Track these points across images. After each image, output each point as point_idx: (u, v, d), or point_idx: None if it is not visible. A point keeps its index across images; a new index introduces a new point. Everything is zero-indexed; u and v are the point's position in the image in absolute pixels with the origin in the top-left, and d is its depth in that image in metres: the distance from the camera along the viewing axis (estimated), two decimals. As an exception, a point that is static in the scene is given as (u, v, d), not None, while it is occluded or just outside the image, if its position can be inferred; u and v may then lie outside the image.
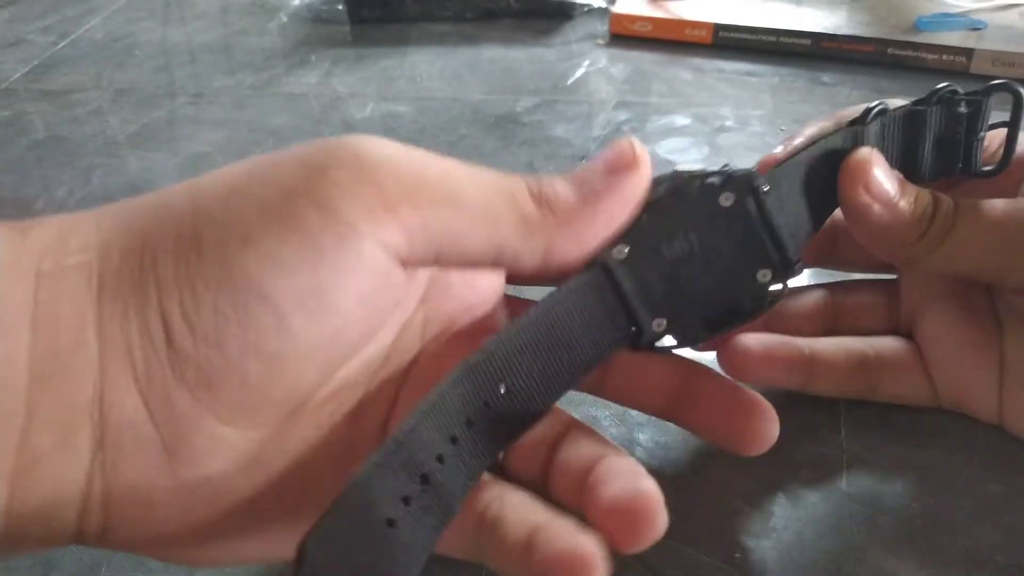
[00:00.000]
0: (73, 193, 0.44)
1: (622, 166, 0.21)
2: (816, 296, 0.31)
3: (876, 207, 0.25)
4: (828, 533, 0.26)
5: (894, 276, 0.31)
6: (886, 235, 0.26)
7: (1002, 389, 0.28)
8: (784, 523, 0.26)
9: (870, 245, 0.27)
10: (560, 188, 0.21)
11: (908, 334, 0.30)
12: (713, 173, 0.23)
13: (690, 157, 0.46)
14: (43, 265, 0.18)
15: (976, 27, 0.55)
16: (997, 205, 0.25)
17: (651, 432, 0.29)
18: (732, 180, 0.23)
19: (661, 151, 0.47)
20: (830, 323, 0.30)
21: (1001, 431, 0.28)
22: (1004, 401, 0.28)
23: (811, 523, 0.26)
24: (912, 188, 0.26)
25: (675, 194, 0.23)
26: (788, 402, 0.30)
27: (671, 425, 0.29)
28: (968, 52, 0.52)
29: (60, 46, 0.62)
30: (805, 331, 0.30)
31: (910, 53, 0.54)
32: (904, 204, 0.25)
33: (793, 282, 0.26)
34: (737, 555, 0.25)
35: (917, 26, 0.55)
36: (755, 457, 0.28)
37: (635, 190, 0.21)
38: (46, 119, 0.52)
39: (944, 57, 0.53)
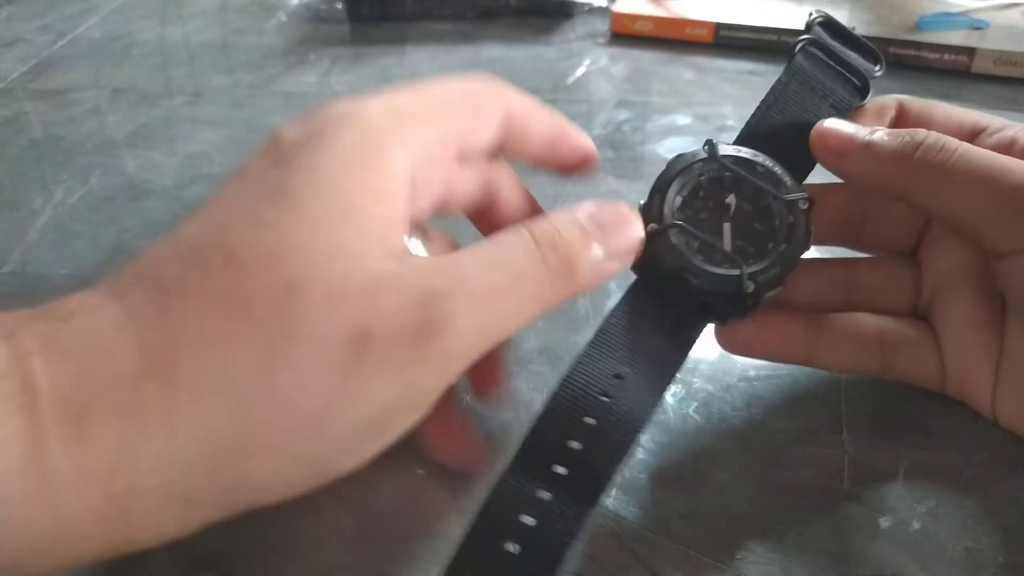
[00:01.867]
0: (71, 193, 0.44)
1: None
2: (836, 268, 0.31)
3: (851, 158, 0.27)
4: (829, 534, 0.25)
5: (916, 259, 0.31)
6: (876, 172, 0.27)
7: (998, 375, 0.28)
8: (785, 523, 0.26)
9: (876, 185, 0.28)
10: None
11: (927, 317, 0.30)
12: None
13: (690, 156, 0.46)
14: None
15: (978, 26, 0.55)
16: (1001, 157, 0.26)
17: (652, 433, 0.29)
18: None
19: (662, 150, 0.47)
20: (850, 299, 0.30)
21: (1002, 431, 0.28)
22: (997, 388, 0.28)
23: (812, 523, 0.26)
24: (884, 128, 0.27)
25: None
26: (789, 402, 0.30)
27: (672, 426, 0.29)
28: (970, 51, 0.52)
29: (58, 45, 0.62)
30: (821, 304, 0.30)
31: (912, 52, 0.54)
32: (874, 138, 0.27)
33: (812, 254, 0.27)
34: (738, 556, 0.25)
35: (919, 25, 0.55)
36: (756, 457, 0.28)
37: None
38: (44, 118, 0.52)
39: (946, 56, 0.53)
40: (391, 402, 0.20)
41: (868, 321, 0.29)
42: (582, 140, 0.28)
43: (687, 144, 0.47)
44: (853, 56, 0.30)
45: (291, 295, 0.19)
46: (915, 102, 0.30)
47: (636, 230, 0.25)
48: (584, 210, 0.24)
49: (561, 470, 0.23)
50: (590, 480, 0.23)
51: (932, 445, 0.28)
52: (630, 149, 0.47)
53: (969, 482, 0.27)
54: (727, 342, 0.29)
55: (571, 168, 0.29)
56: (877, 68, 0.30)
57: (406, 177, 0.22)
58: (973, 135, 0.29)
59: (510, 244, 0.23)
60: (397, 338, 0.20)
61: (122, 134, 0.50)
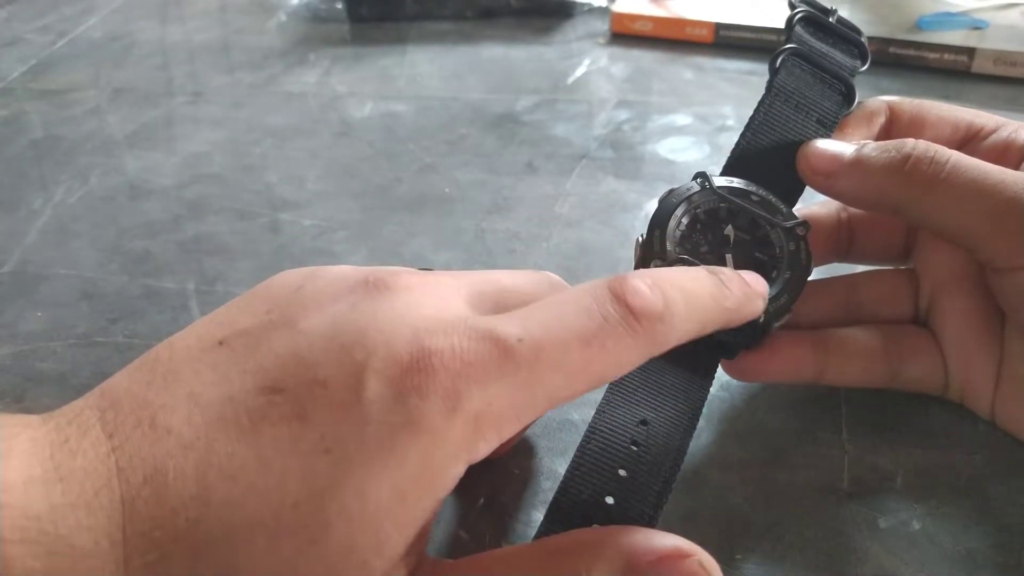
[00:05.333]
0: (71, 193, 0.44)
1: None
2: (836, 286, 0.31)
3: (840, 177, 0.27)
4: (829, 534, 0.25)
5: (911, 266, 0.31)
6: (866, 189, 0.27)
7: (998, 379, 0.28)
8: (785, 523, 0.26)
9: (867, 202, 0.28)
10: None
11: (927, 323, 0.30)
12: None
13: (691, 156, 0.46)
14: None
15: (977, 26, 0.55)
16: (995, 169, 0.25)
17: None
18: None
19: (662, 150, 0.47)
20: (852, 314, 0.30)
21: (1003, 432, 0.28)
22: (997, 392, 0.28)
23: (812, 523, 0.26)
24: (871, 141, 0.27)
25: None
26: (789, 402, 0.30)
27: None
28: (970, 51, 0.52)
29: (58, 45, 0.62)
30: (824, 322, 0.30)
31: (911, 52, 0.54)
32: (862, 154, 0.27)
33: (812, 275, 0.27)
34: (738, 556, 0.25)
35: (918, 25, 0.55)
36: (756, 458, 0.28)
37: None
38: (44, 118, 0.52)
39: (946, 56, 0.53)
40: None
41: (872, 334, 0.29)
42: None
43: (687, 144, 0.47)
44: (837, 57, 0.30)
45: None
46: (906, 104, 0.30)
47: None
48: (652, 555, 0.20)
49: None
50: None
51: (932, 445, 0.28)
52: (630, 149, 0.47)
53: (969, 482, 0.27)
54: (736, 371, 0.28)
55: None
56: (861, 65, 0.30)
57: (458, 478, 0.20)
58: (967, 138, 0.29)
59: None
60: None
61: (122, 134, 0.50)
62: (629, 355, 0.20)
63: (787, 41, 0.29)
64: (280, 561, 0.18)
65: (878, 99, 0.30)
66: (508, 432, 0.20)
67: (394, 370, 0.19)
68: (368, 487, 0.18)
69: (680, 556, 0.20)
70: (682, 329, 0.21)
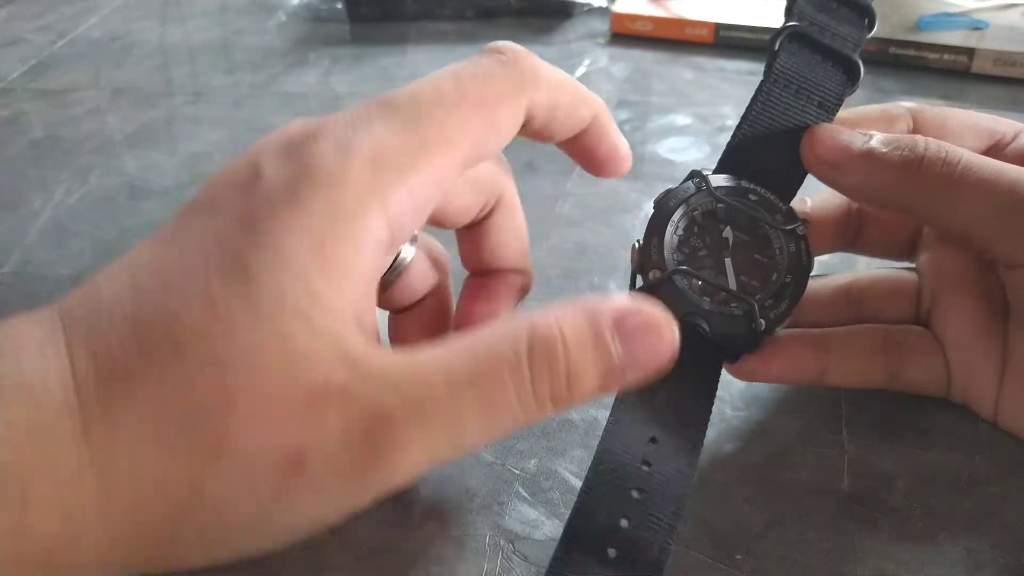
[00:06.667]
0: (71, 193, 0.44)
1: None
2: (837, 285, 0.31)
3: (847, 170, 0.26)
4: (829, 533, 0.25)
5: (914, 265, 0.31)
6: (875, 185, 0.26)
7: (1002, 380, 0.28)
8: (785, 523, 0.26)
9: (875, 199, 0.27)
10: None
11: (928, 324, 0.30)
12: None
13: (691, 156, 0.46)
14: None
15: (977, 26, 0.55)
16: (1007, 166, 0.25)
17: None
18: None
19: (661, 150, 0.47)
20: (852, 313, 0.30)
21: (1003, 432, 0.28)
22: (1001, 393, 0.28)
23: (812, 523, 0.26)
24: (885, 133, 0.26)
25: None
26: (789, 402, 0.30)
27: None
28: (969, 52, 0.52)
29: (58, 45, 0.62)
30: (825, 321, 0.29)
31: (911, 52, 0.54)
32: (873, 147, 0.26)
33: (815, 271, 0.27)
34: (738, 556, 0.25)
35: (918, 25, 0.55)
36: (756, 457, 0.28)
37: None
38: (44, 118, 0.52)
39: (945, 56, 0.53)
40: (323, 517, 0.20)
41: (873, 335, 0.29)
42: (612, 143, 0.27)
43: (687, 144, 0.47)
44: (841, 30, 0.28)
45: (227, 409, 0.19)
46: (929, 112, 0.29)
47: (666, 344, 0.21)
48: (610, 312, 0.20)
49: (613, 552, 0.21)
50: (648, 562, 0.21)
51: (932, 445, 0.28)
52: (630, 149, 0.47)
53: (969, 482, 0.27)
54: (737, 372, 0.28)
55: (594, 168, 0.27)
56: (868, 31, 0.28)
57: (381, 243, 0.21)
58: (991, 145, 0.28)
59: (495, 354, 0.20)
60: (334, 464, 0.19)
61: (122, 134, 0.50)
62: (501, 76, 0.23)
63: (788, 15, 0.28)
64: (219, 316, 0.19)
65: (900, 104, 0.29)
66: (415, 184, 0.21)
67: (287, 143, 0.21)
68: (281, 238, 0.19)
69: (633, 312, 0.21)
70: (544, 76, 0.24)
